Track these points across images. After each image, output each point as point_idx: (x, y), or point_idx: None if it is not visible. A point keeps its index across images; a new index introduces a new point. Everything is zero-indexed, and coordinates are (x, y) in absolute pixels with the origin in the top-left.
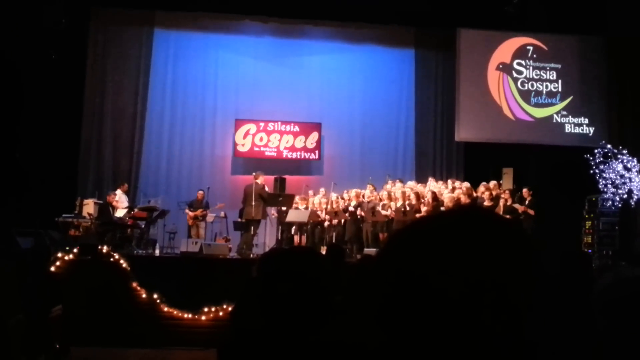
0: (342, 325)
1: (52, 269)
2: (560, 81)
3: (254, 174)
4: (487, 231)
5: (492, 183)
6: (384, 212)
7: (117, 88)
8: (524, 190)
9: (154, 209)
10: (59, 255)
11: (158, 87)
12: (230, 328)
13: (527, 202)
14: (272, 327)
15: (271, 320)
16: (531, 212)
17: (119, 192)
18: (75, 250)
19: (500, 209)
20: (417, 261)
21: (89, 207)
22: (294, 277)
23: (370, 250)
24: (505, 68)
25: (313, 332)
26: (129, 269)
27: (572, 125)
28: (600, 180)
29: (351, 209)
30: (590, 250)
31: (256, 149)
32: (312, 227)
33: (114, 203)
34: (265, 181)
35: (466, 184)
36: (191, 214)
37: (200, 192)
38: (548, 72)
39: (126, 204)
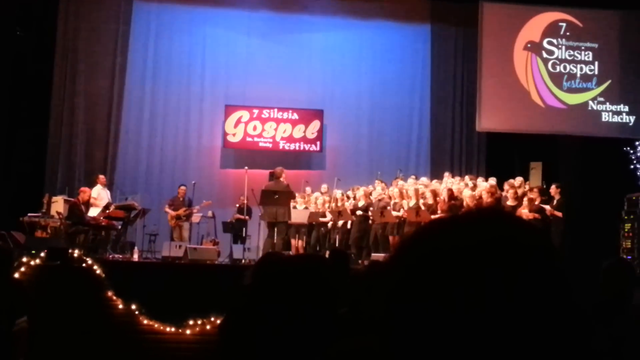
0: (349, 342)
1: (16, 275)
2: (596, 63)
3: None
4: (510, 239)
5: (518, 180)
6: (394, 213)
7: (91, 70)
8: (552, 187)
9: (132, 207)
10: (24, 260)
11: (137, 69)
12: (219, 344)
13: (554, 201)
14: (268, 344)
15: (266, 336)
16: (559, 214)
17: (97, 187)
18: (42, 254)
19: (525, 210)
20: (428, 269)
21: (58, 205)
22: (294, 287)
23: (379, 256)
24: (534, 47)
25: (315, 350)
26: (103, 275)
27: (610, 113)
28: None
29: (360, 211)
30: (629, 257)
31: (249, 139)
32: (313, 229)
33: (89, 199)
34: (259, 177)
35: (491, 181)
36: (172, 213)
37: (182, 187)
38: (583, 52)
39: (107, 200)
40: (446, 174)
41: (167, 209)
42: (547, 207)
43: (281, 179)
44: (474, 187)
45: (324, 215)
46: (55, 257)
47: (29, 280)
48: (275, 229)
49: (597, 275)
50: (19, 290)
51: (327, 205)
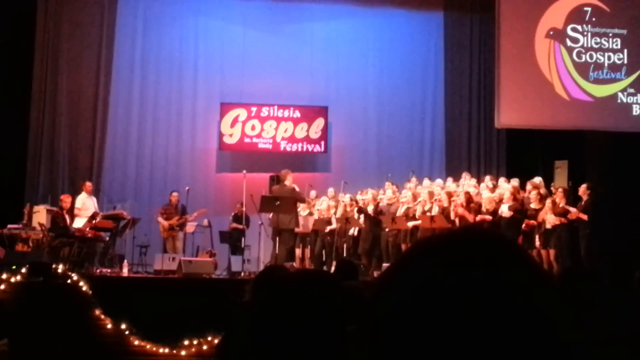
0: None
1: None
2: (625, 51)
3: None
4: (491, 259)
5: (537, 180)
6: (404, 216)
7: (74, 65)
8: (582, 187)
9: (120, 217)
10: (4, 276)
11: (124, 64)
12: None
13: (582, 202)
14: None
15: (268, 358)
16: (584, 217)
17: (82, 195)
18: (23, 270)
19: (550, 215)
20: (414, 293)
21: (40, 215)
22: (297, 304)
23: None
24: (557, 35)
25: None
26: (90, 292)
27: None
28: None
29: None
30: None
31: (247, 140)
32: (318, 237)
33: (73, 208)
34: (258, 181)
35: (514, 182)
36: (165, 223)
37: (174, 193)
38: (611, 39)
39: (93, 209)
40: (464, 175)
41: (160, 219)
42: (573, 209)
43: (286, 183)
44: (494, 188)
45: (329, 223)
46: (37, 273)
47: (9, 299)
48: (278, 238)
49: (629, 286)
50: None
51: (332, 211)
